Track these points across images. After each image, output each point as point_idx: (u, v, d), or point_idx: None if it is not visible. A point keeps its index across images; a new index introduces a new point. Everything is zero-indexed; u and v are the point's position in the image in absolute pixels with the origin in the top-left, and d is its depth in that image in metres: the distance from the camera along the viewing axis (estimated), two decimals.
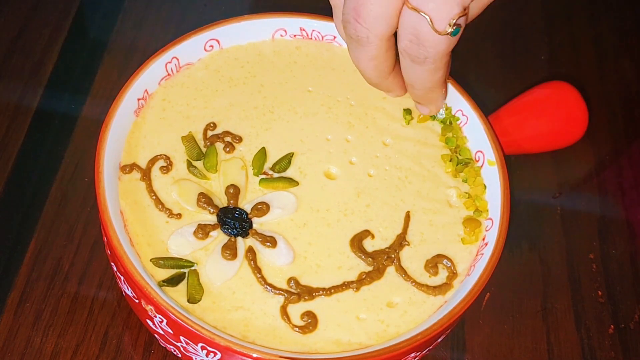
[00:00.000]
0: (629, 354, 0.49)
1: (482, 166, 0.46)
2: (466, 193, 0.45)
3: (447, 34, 0.37)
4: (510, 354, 0.48)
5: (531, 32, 0.63)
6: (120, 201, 0.42)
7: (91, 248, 0.48)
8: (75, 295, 0.46)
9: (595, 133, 0.57)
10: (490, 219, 0.44)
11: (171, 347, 0.41)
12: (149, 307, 0.39)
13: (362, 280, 0.42)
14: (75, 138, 0.52)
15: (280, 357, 0.37)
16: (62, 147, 0.52)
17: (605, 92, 0.60)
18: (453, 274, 0.43)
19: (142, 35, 0.57)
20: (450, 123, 0.48)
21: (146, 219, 0.42)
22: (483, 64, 0.61)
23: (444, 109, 0.47)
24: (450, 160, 0.46)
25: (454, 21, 0.37)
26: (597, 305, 0.50)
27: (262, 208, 0.43)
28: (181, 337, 0.39)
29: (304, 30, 0.49)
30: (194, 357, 0.40)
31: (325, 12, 0.48)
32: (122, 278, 0.41)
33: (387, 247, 0.43)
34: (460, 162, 0.46)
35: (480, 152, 0.46)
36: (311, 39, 0.49)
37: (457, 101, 0.47)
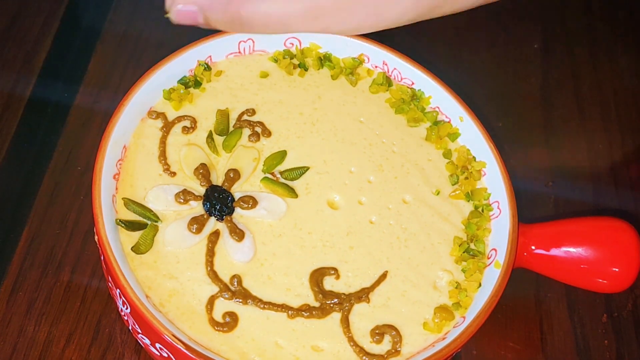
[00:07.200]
0: (622, 342, 0.49)
1: (488, 265, 0.42)
2: (457, 283, 0.42)
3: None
4: (503, 342, 0.47)
5: (524, 20, 0.62)
6: (131, 138, 0.43)
7: (84, 236, 0.48)
8: (68, 283, 0.46)
9: (589, 122, 0.58)
10: (464, 317, 0.41)
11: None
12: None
13: (302, 311, 0.40)
14: (68, 127, 0.52)
15: (173, 335, 0.37)
16: (55, 136, 0.51)
17: (598, 80, 0.60)
18: (395, 352, 0.39)
19: (135, 25, 0.57)
20: (483, 211, 0.44)
21: (143, 163, 0.43)
22: (476, 52, 0.60)
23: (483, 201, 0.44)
24: (459, 245, 0.43)
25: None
26: (590, 293, 0.48)
27: (249, 202, 0.42)
28: (109, 277, 0.40)
29: (386, 64, 0.48)
30: (119, 304, 0.41)
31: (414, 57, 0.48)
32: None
33: (344, 294, 0.41)
34: (470, 251, 0.43)
35: (495, 250, 0.43)
36: (390, 75, 0.48)
37: (499, 194, 0.44)
